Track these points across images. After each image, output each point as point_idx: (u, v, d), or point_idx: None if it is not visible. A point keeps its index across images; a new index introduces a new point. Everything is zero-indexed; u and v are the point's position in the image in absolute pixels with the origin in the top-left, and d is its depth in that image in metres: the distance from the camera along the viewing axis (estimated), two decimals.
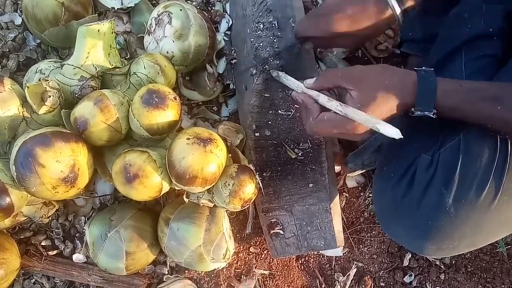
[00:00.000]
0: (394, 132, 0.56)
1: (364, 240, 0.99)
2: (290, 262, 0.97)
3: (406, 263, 0.98)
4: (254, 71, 0.84)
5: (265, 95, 0.83)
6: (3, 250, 0.79)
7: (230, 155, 0.80)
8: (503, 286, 0.97)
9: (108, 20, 0.75)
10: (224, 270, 0.94)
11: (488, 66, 0.74)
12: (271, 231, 0.87)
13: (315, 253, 0.97)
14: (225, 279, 0.94)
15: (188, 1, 0.96)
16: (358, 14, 0.66)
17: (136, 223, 0.80)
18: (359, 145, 0.90)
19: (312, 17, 0.73)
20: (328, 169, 0.86)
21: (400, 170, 0.71)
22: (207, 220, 0.79)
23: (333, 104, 0.62)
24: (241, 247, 0.95)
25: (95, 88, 0.75)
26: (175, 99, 0.71)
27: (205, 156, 0.67)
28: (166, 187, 0.71)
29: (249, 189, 0.72)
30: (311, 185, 0.85)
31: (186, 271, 0.92)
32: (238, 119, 0.94)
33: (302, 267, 0.97)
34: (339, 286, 0.96)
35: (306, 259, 0.98)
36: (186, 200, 0.77)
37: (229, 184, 0.72)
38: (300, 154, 0.84)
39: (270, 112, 0.83)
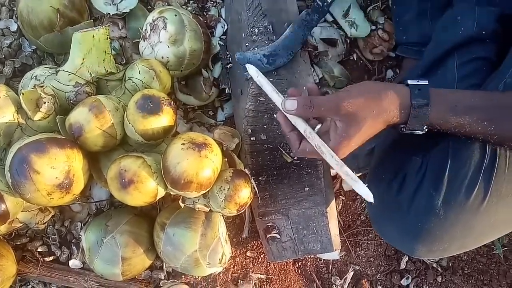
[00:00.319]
0: (368, 195, 0.58)
1: (361, 243, 0.99)
2: (287, 266, 0.97)
3: (403, 265, 0.98)
4: (249, 76, 0.84)
5: (260, 99, 0.83)
6: None
7: (226, 159, 0.80)
8: None
9: (103, 26, 0.76)
10: (221, 274, 0.94)
11: (481, 69, 0.74)
12: (268, 235, 0.87)
13: (312, 256, 0.98)
14: (222, 283, 0.94)
15: (183, 6, 0.97)
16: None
17: (132, 229, 0.80)
18: None
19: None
20: (324, 173, 0.86)
21: (391, 172, 0.71)
22: (203, 225, 0.79)
23: (314, 141, 0.61)
24: (238, 252, 0.95)
25: (90, 94, 0.75)
26: (170, 104, 0.71)
27: (200, 161, 0.67)
28: (161, 192, 0.71)
29: (244, 193, 0.72)
30: (307, 188, 0.85)
31: (183, 276, 0.92)
32: (234, 124, 0.94)
33: (299, 271, 0.97)
34: None
35: (303, 262, 0.98)
36: (181, 205, 0.77)
37: (224, 189, 0.72)
38: (295, 158, 0.85)
39: (266, 116, 0.84)
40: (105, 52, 0.77)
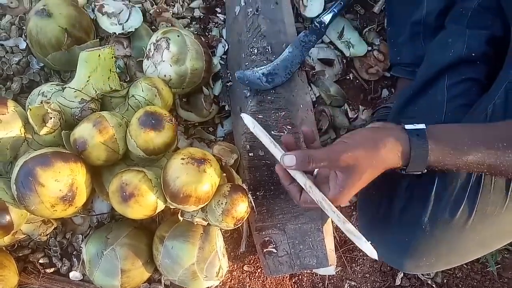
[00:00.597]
0: (372, 252, 0.60)
1: (356, 259, 1.00)
2: (284, 281, 0.98)
3: (398, 282, 0.99)
4: (248, 94, 0.88)
5: (259, 116, 0.86)
6: (1, 267, 0.81)
7: (224, 174, 0.83)
8: None
9: (109, 46, 0.79)
10: None
11: (470, 90, 0.76)
12: (264, 250, 0.89)
13: (308, 272, 0.99)
14: None
15: (186, 27, 1.01)
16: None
17: (132, 241, 0.82)
18: None
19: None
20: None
21: (382, 187, 0.73)
22: (200, 238, 0.81)
23: (315, 196, 0.62)
24: (235, 266, 0.97)
25: (95, 110, 0.78)
26: (171, 121, 0.74)
27: (198, 176, 0.69)
28: (161, 206, 0.74)
29: (241, 207, 0.74)
30: None
31: None
32: (233, 140, 0.97)
33: (296, 286, 0.98)
34: None
35: (300, 277, 0.99)
36: (180, 218, 0.79)
37: (222, 203, 0.74)
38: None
39: None
40: (110, 71, 0.81)
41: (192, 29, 1.01)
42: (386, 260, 0.79)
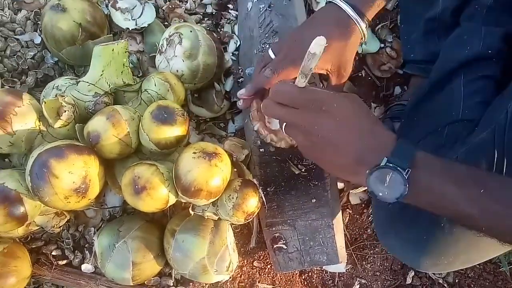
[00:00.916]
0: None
1: (367, 257, 0.99)
2: (294, 277, 0.98)
3: (409, 281, 0.98)
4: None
5: None
6: (15, 258, 0.82)
7: (235, 169, 0.83)
8: None
9: (122, 41, 0.80)
10: (228, 283, 0.96)
11: (487, 87, 0.75)
12: (275, 246, 0.89)
13: (318, 268, 0.99)
14: None
15: (199, 23, 1.01)
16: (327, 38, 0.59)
17: (144, 234, 0.82)
18: None
19: (287, 62, 0.70)
20: (331, 185, 0.88)
21: None
22: (211, 233, 0.81)
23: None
24: (245, 261, 0.97)
25: (108, 104, 0.79)
26: (183, 115, 0.74)
27: (210, 170, 0.69)
28: (172, 199, 0.74)
29: (252, 202, 0.75)
30: (313, 200, 0.87)
31: (191, 284, 0.94)
32: (244, 135, 0.97)
33: (305, 283, 0.98)
34: None
35: (309, 274, 0.99)
36: (191, 212, 0.79)
37: (233, 197, 0.74)
38: (303, 170, 0.87)
39: None
40: (123, 65, 0.81)
41: (204, 25, 1.01)
42: (402, 259, 0.78)
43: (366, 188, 0.94)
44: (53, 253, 0.93)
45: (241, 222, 0.77)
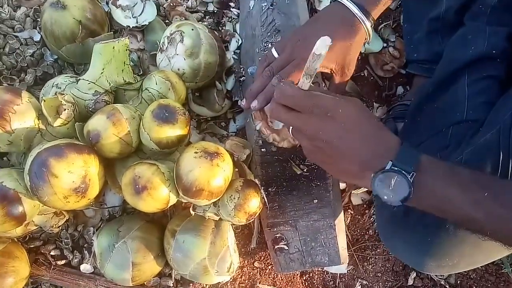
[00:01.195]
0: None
1: (368, 258, 0.99)
2: (295, 278, 0.97)
3: (410, 282, 0.98)
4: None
5: None
6: (13, 258, 0.81)
7: (237, 169, 0.82)
8: None
9: (123, 38, 0.79)
10: (229, 284, 0.95)
11: (491, 87, 0.75)
12: (276, 246, 0.88)
13: (319, 269, 0.98)
14: None
15: (200, 22, 1.00)
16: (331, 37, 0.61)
17: (144, 235, 0.82)
18: None
19: (293, 67, 0.69)
20: (333, 186, 0.87)
21: None
22: (212, 233, 0.80)
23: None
24: (246, 262, 0.96)
25: (108, 102, 0.78)
26: (185, 114, 0.73)
27: (211, 170, 0.68)
28: (173, 199, 0.73)
29: (254, 203, 0.74)
30: (315, 201, 0.86)
31: (191, 284, 0.93)
32: (246, 135, 0.96)
33: (306, 284, 0.98)
34: None
35: (311, 275, 0.98)
36: (192, 213, 0.79)
37: (234, 198, 0.73)
38: (305, 170, 0.86)
39: None
40: (124, 63, 0.80)
41: (205, 23, 1.00)
42: (406, 260, 0.78)
43: (368, 189, 0.94)
44: (52, 253, 0.92)
45: (243, 223, 0.76)
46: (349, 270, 0.98)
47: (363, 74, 1.02)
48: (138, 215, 0.88)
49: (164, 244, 0.83)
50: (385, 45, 1.01)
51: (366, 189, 0.97)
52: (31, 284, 0.92)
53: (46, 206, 0.72)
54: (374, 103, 1.00)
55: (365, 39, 0.70)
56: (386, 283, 0.98)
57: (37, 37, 0.97)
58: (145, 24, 0.96)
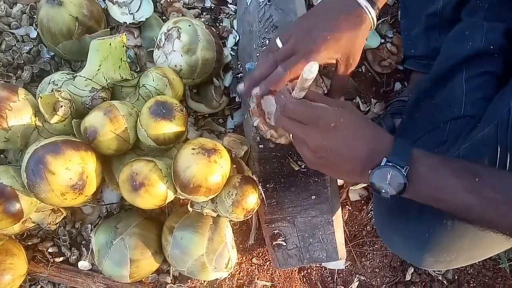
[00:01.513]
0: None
1: (366, 254, 0.99)
2: (292, 274, 0.97)
3: (408, 277, 0.98)
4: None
5: None
6: (11, 255, 0.81)
7: (234, 166, 0.82)
8: None
9: (120, 35, 0.78)
10: (227, 280, 0.95)
11: (489, 83, 0.75)
12: (274, 242, 0.88)
13: (317, 265, 0.98)
14: None
15: (197, 18, 1.00)
16: (337, 28, 0.66)
17: (141, 231, 0.82)
18: None
19: (298, 58, 0.69)
20: (331, 182, 0.87)
21: None
22: (210, 230, 0.80)
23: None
24: (244, 258, 0.96)
25: (105, 99, 0.78)
26: (182, 110, 0.73)
27: (209, 166, 0.68)
28: (171, 196, 0.73)
29: (251, 199, 0.74)
30: (313, 197, 0.86)
31: (189, 281, 0.93)
32: (243, 131, 0.96)
33: (304, 279, 0.98)
34: None
35: (308, 271, 0.98)
36: (190, 209, 0.79)
37: (232, 194, 0.73)
38: (303, 166, 0.86)
39: None
40: (121, 60, 0.80)
41: (203, 19, 1.00)
42: (404, 256, 0.78)
43: (365, 184, 0.95)
44: (50, 250, 0.92)
45: (241, 219, 0.76)
46: (347, 266, 0.98)
47: (360, 70, 1.02)
48: (136, 212, 0.88)
49: (162, 240, 0.83)
50: (382, 41, 1.01)
51: (364, 185, 0.97)
52: (29, 281, 0.92)
53: (44, 203, 0.72)
54: (372, 99, 1.00)
55: (370, 28, 0.70)
56: (384, 278, 0.99)
57: (33, 34, 0.97)
58: (142, 21, 0.96)
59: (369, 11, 0.67)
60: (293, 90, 0.61)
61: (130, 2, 0.96)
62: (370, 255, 0.99)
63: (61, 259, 0.92)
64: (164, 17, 0.99)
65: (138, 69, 0.96)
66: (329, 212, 0.86)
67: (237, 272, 0.96)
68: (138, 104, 0.78)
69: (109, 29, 0.94)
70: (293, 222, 0.88)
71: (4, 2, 0.97)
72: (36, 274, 0.90)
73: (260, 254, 0.96)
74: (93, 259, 0.85)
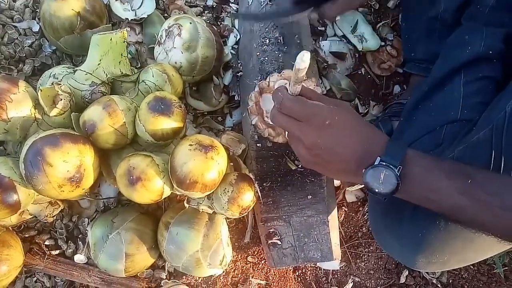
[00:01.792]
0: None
1: (361, 255, 0.99)
2: (287, 274, 0.98)
3: (403, 280, 0.98)
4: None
5: None
6: (7, 246, 0.82)
7: (232, 164, 0.82)
8: None
9: (121, 30, 0.79)
10: (221, 277, 0.95)
11: (487, 88, 0.75)
12: (269, 241, 0.89)
13: (312, 265, 0.98)
14: (222, 286, 0.95)
15: (199, 16, 1.00)
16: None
17: (137, 226, 0.82)
18: None
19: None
20: (327, 182, 0.87)
21: None
22: (205, 226, 0.80)
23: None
24: (239, 256, 0.96)
25: (105, 93, 0.78)
26: (180, 107, 0.74)
27: (205, 162, 0.69)
28: (167, 191, 0.74)
29: (247, 196, 0.74)
30: (309, 196, 0.87)
31: (184, 277, 0.94)
32: (242, 130, 0.96)
33: (299, 279, 0.98)
34: None
35: (303, 271, 0.98)
36: (186, 205, 0.79)
37: (228, 191, 0.74)
38: (300, 166, 0.86)
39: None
40: (121, 55, 0.81)
41: (204, 18, 1.00)
42: (398, 257, 0.78)
43: (362, 186, 0.95)
44: (46, 242, 0.92)
45: (236, 216, 0.77)
46: (342, 267, 0.99)
47: (360, 72, 1.02)
48: (133, 207, 0.88)
49: (157, 236, 0.84)
50: (383, 43, 1.02)
51: (360, 187, 0.97)
52: (25, 273, 0.93)
53: (41, 195, 0.72)
54: (371, 101, 1.01)
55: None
56: (379, 280, 0.99)
57: (36, 28, 0.97)
58: (144, 17, 0.96)
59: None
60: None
61: None
62: (365, 256, 0.99)
63: (57, 252, 0.93)
64: (166, 14, 1.00)
65: (139, 65, 0.97)
66: (324, 212, 0.87)
67: (232, 270, 0.96)
68: (137, 100, 0.79)
69: (110, 24, 0.95)
70: (289, 221, 0.88)
71: None
72: (32, 266, 0.90)
73: (256, 252, 0.97)
74: (89, 252, 0.85)
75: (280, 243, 0.89)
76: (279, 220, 0.88)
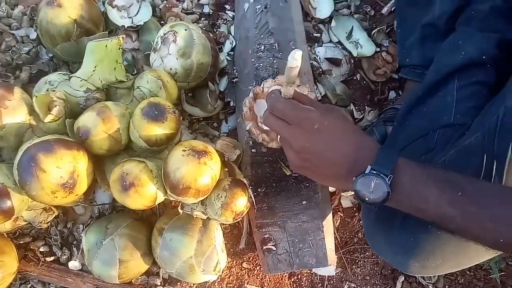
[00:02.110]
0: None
1: (357, 261, 0.99)
2: (283, 280, 0.97)
3: (399, 286, 0.98)
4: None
5: None
6: (2, 253, 0.81)
7: (226, 169, 0.83)
8: None
9: (116, 37, 0.79)
10: (216, 284, 0.95)
11: (480, 93, 0.75)
12: (264, 247, 0.89)
13: (307, 271, 0.98)
14: None
15: (195, 23, 1.01)
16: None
17: (131, 232, 0.82)
18: None
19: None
20: (322, 188, 0.87)
21: None
22: (199, 232, 0.80)
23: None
24: (234, 262, 0.96)
25: (100, 100, 0.79)
26: (174, 113, 0.74)
27: (198, 168, 0.69)
28: (161, 197, 0.74)
29: (241, 202, 0.74)
30: (304, 202, 0.87)
31: (178, 284, 0.93)
32: (237, 136, 0.97)
33: (294, 285, 0.98)
34: None
35: (299, 277, 0.98)
36: (180, 211, 0.79)
37: (221, 196, 0.74)
38: (294, 172, 0.86)
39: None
40: (116, 62, 0.81)
41: (201, 25, 1.01)
42: (391, 261, 0.78)
43: (352, 191, 0.95)
44: (41, 249, 0.92)
45: (230, 222, 0.77)
46: (338, 273, 0.98)
47: (355, 78, 1.02)
48: (127, 213, 0.88)
49: (151, 242, 0.84)
50: (378, 49, 1.02)
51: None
52: (19, 279, 0.92)
53: (35, 201, 0.72)
54: (366, 107, 1.01)
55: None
56: (375, 286, 0.98)
57: (33, 35, 0.98)
58: (140, 24, 0.97)
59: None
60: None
61: (129, 6, 0.98)
62: (361, 262, 0.99)
63: (52, 258, 0.92)
64: (162, 22, 1.01)
65: (135, 72, 0.97)
66: (319, 218, 0.87)
67: (227, 276, 0.96)
68: (132, 106, 0.79)
69: (107, 32, 0.96)
70: (283, 227, 0.88)
71: (5, 3, 0.99)
72: (27, 273, 0.90)
73: (251, 258, 0.97)
74: (84, 259, 0.85)
75: (275, 249, 0.89)
76: (274, 226, 0.88)
